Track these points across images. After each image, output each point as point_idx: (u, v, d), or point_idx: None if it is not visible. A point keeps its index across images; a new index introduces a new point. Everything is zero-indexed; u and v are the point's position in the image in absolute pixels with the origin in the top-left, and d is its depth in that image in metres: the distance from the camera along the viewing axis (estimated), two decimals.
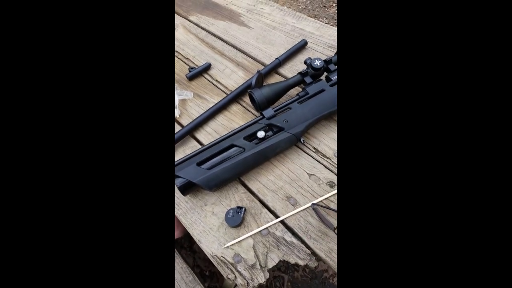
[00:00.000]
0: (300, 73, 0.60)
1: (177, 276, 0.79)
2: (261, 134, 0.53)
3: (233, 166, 0.51)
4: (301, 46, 0.74)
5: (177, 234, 0.74)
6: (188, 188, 0.51)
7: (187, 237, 1.19)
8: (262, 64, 0.74)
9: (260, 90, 0.57)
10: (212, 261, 0.48)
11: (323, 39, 0.76)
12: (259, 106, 0.57)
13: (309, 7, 2.13)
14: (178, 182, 0.50)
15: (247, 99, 0.67)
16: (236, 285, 0.81)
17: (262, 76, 0.62)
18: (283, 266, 1.13)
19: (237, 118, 0.64)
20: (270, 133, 0.55)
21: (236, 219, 0.49)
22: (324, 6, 2.11)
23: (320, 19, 2.00)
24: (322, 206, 0.49)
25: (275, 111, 0.56)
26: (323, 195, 0.51)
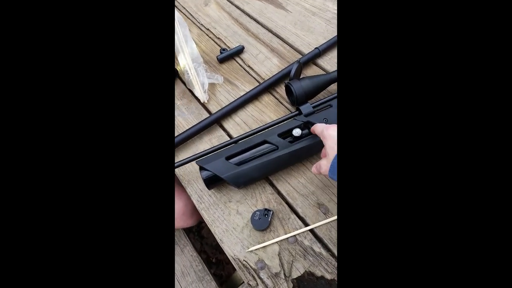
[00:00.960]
0: None
1: (187, 263, 0.77)
2: (297, 132, 0.49)
3: (264, 165, 0.47)
4: None
5: (191, 222, 0.71)
6: (214, 182, 0.47)
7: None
8: (300, 52, 0.68)
9: (299, 83, 0.52)
10: (233, 264, 0.45)
11: None
12: (297, 101, 0.52)
13: None
14: (204, 174, 0.46)
15: (280, 90, 0.62)
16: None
17: (301, 67, 0.57)
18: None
19: (268, 110, 0.59)
20: (306, 131, 0.50)
21: (263, 222, 0.45)
22: None
23: None
24: None
25: (313, 107, 0.51)
26: None
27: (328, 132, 0.38)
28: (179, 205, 0.65)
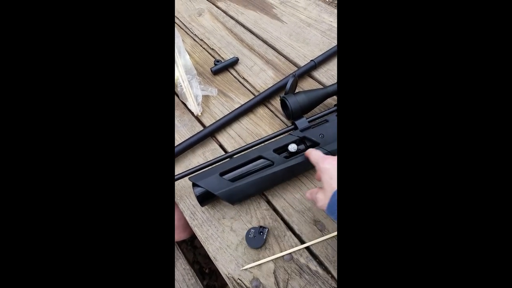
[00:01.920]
0: None
1: (179, 277, 0.75)
2: (293, 147, 0.48)
3: (259, 181, 0.46)
4: None
5: (184, 236, 0.70)
6: (207, 199, 0.46)
7: None
8: (295, 64, 0.68)
9: (295, 97, 0.51)
10: (228, 283, 0.44)
11: None
12: (292, 115, 0.51)
13: (336, 2, 2.03)
14: (197, 191, 0.45)
15: (275, 102, 0.62)
16: None
17: (297, 81, 0.56)
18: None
19: (263, 123, 0.59)
20: (302, 146, 0.50)
21: (258, 240, 0.44)
22: None
23: None
24: None
25: (309, 121, 0.51)
26: None
27: (324, 166, 0.36)
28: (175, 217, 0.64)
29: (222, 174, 0.46)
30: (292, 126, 0.51)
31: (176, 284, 0.75)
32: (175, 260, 0.79)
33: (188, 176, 0.47)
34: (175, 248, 0.80)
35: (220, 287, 1.03)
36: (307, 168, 0.49)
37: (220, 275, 1.15)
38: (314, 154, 0.40)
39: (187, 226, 0.68)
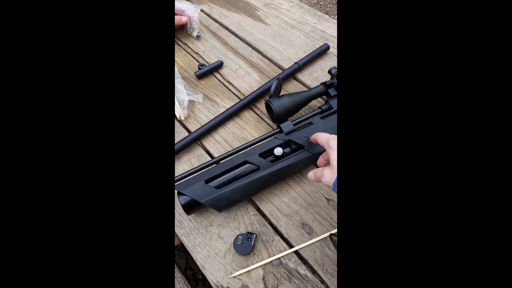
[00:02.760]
0: (324, 83, 0.54)
1: None
2: (278, 151, 0.48)
3: (245, 186, 0.45)
4: (323, 51, 0.68)
5: (176, 242, 0.69)
6: (193, 207, 0.46)
7: None
8: (279, 67, 0.68)
9: (279, 100, 0.51)
10: None
11: None
12: (277, 119, 0.51)
13: (321, 2, 2.04)
14: (182, 200, 0.45)
15: (261, 105, 0.61)
16: None
17: (281, 84, 0.56)
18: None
19: (249, 127, 0.58)
20: (287, 149, 0.49)
21: (246, 247, 0.44)
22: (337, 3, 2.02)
23: (332, 16, 1.91)
24: None
25: (294, 124, 0.51)
26: None
27: (335, 143, 0.37)
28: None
29: (207, 181, 0.45)
30: (278, 130, 0.51)
31: None
32: None
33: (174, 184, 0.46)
34: None
35: None
36: (294, 171, 0.49)
37: None
38: (322, 135, 0.40)
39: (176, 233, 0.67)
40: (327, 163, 0.42)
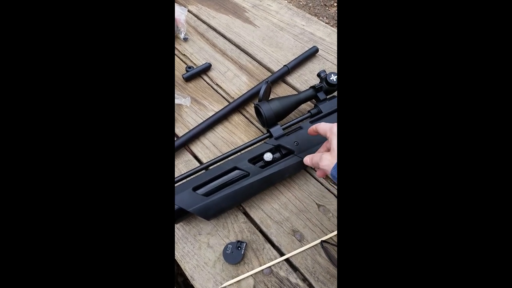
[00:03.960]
0: (313, 87, 0.53)
1: None
2: (268, 156, 0.47)
3: (235, 194, 0.44)
4: (312, 54, 0.67)
5: None
6: (181, 216, 0.44)
7: None
8: (268, 69, 0.67)
9: (268, 104, 0.50)
10: None
11: (335, 47, 0.70)
12: (267, 123, 0.50)
13: (310, 4, 2.04)
14: None
15: (250, 109, 0.60)
16: None
17: (270, 87, 0.55)
18: None
19: (239, 131, 0.57)
20: (277, 154, 0.49)
21: (236, 256, 0.43)
22: (325, 5, 2.03)
23: (321, 18, 1.92)
24: (332, 244, 0.44)
25: (283, 129, 0.50)
26: (333, 231, 0.46)
27: (336, 130, 0.37)
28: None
29: (195, 188, 0.44)
30: (267, 134, 0.50)
31: None
32: None
33: None
34: None
35: None
36: (284, 177, 0.48)
37: None
38: (322, 125, 0.40)
39: None
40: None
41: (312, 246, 0.45)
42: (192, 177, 0.46)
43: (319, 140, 0.49)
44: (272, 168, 0.46)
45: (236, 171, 0.46)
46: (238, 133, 0.57)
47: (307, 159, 0.40)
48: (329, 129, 0.38)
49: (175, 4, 0.71)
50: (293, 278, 0.43)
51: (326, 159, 0.36)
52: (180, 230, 0.47)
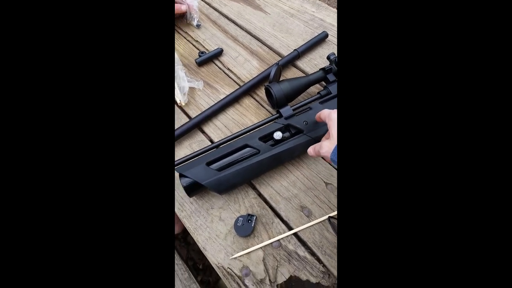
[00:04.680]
0: (322, 69, 0.54)
1: None
2: (278, 135, 0.48)
3: (246, 170, 0.46)
4: (321, 39, 0.68)
5: (176, 229, 0.69)
6: (195, 189, 0.46)
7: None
8: (279, 54, 0.68)
9: (279, 85, 0.52)
10: (217, 272, 0.44)
11: None
12: (277, 104, 0.51)
13: None
14: (184, 182, 0.45)
15: (261, 92, 0.62)
16: None
17: (280, 69, 0.57)
18: None
19: (249, 113, 0.59)
20: (287, 134, 0.50)
21: (247, 228, 0.45)
22: None
23: (331, 4, 1.90)
24: None
25: (293, 109, 0.51)
26: None
27: (335, 115, 0.38)
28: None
29: (208, 163, 0.46)
30: (277, 115, 0.52)
31: None
32: None
33: (175, 167, 0.47)
34: None
35: (214, 282, 1.03)
36: (293, 155, 0.50)
37: (214, 270, 1.16)
38: (324, 111, 0.42)
39: (178, 219, 0.68)
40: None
41: (320, 222, 0.46)
42: (205, 154, 0.48)
43: None
44: (281, 146, 0.48)
45: (247, 149, 0.48)
46: (249, 115, 0.59)
47: (311, 150, 0.41)
48: (327, 115, 0.40)
49: None
50: (301, 251, 0.44)
51: (326, 146, 0.37)
52: (193, 204, 0.49)
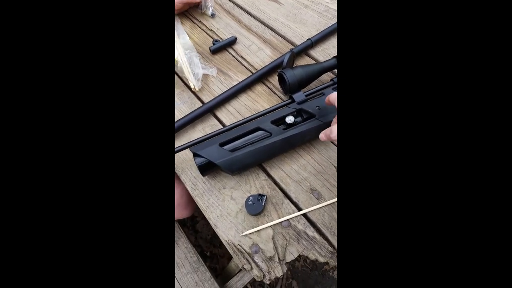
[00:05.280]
0: (336, 57, 0.55)
1: (181, 255, 0.77)
2: (290, 119, 0.49)
3: (257, 151, 0.47)
4: (335, 29, 0.68)
5: (186, 213, 0.71)
6: (208, 169, 0.48)
7: (190, 216, 1.18)
8: (292, 43, 0.69)
9: (292, 71, 0.53)
10: (228, 249, 0.45)
11: None
12: (290, 89, 0.52)
13: None
14: (198, 161, 0.47)
15: (273, 80, 0.63)
16: (240, 270, 0.80)
17: (294, 56, 0.57)
18: None
19: (261, 100, 0.60)
20: (299, 119, 0.51)
21: (257, 207, 0.46)
22: None
23: None
24: None
25: (306, 95, 0.52)
26: None
27: None
28: (174, 196, 0.65)
29: (222, 144, 0.47)
30: (290, 100, 0.53)
31: (179, 261, 0.77)
32: (177, 239, 0.80)
33: (189, 148, 0.48)
34: (177, 228, 0.82)
35: (221, 269, 1.05)
36: (304, 140, 0.51)
37: (221, 258, 1.18)
38: (333, 94, 0.41)
39: (189, 203, 0.70)
40: None
41: (329, 204, 0.47)
42: (218, 135, 0.49)
43: None
44: (293, 130, 0.49)
45: (260, 132, 0.49)
46: (261, 101, 0.60)
47: (322, 135, 0.41)
48: (337, 98, 0.40)
49: None
50: (310, 231, 0.45)
51: (335, 129, 0.38)
52: (206, 184, 0.50)
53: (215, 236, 1.13)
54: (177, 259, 0.77)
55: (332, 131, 0.38)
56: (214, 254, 1.10)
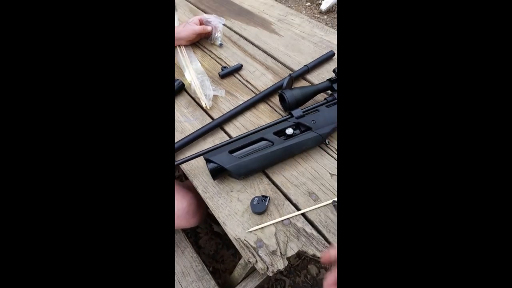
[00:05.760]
0: (329, 79, 0.64)
1: (187, 264, 0.81)
2: (289, 131, 0.57)
3: (261, 158, 0.54)
4: (329, 57, 0.79)
5: (194, 222, 0.76)
6: (219, 173, 0.54)
7: (193, 232, 1.21)
8: (291, 69, 0.78)
9: (291, 91, 0.61)
10: (235, 244, 0.51)
11: None
12: (289, 106, 0.61)
13: (328, 21, 2.20)
14: (210, 166, 0.54)
15: (275, 100, 0.71)
16: (243, 279, 0.83)
17: (292, 80, 0.66)
18: (285, 270, 1.14)
19: (264, 116, 0.68)
20: (297, 131, 0.59)
21: (261, 206, 0.52)
22: None
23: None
24: None
25: (303, 111, 0.60)
26: None
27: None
28: (183, 204, 0.71)
29: (230, 152, 0.55)
30: (289, 115, 0.61)
31: (185, 270, 0.81)
32: (183, 249, 0.85)
33: (203, 154, 0.55)
34: (183, 238, 0.87)
35: (223, 284, 1.07)
36: (302, 148, 0.58)
37: (223, 273, 1.21)
38: (332, 253, 0.38)
39: (197, 212, 0.75)
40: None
41: (325, 205, 0.53)
42: (227, 145, 0.57)
43: (333, 120, 0.59)
44: (292, 140, 0.56)
45: (263, 142, 0.57)
46: (264, 117, 0.68)
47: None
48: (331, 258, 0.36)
49: (214, 15, 0.86)
50: (309, 229, 0.51)
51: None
52: (216, 188, 0.57)
53: (217, 251, 1.16)
54: (183, 268, 0.81)
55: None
56: (217, 270, 1.12)
